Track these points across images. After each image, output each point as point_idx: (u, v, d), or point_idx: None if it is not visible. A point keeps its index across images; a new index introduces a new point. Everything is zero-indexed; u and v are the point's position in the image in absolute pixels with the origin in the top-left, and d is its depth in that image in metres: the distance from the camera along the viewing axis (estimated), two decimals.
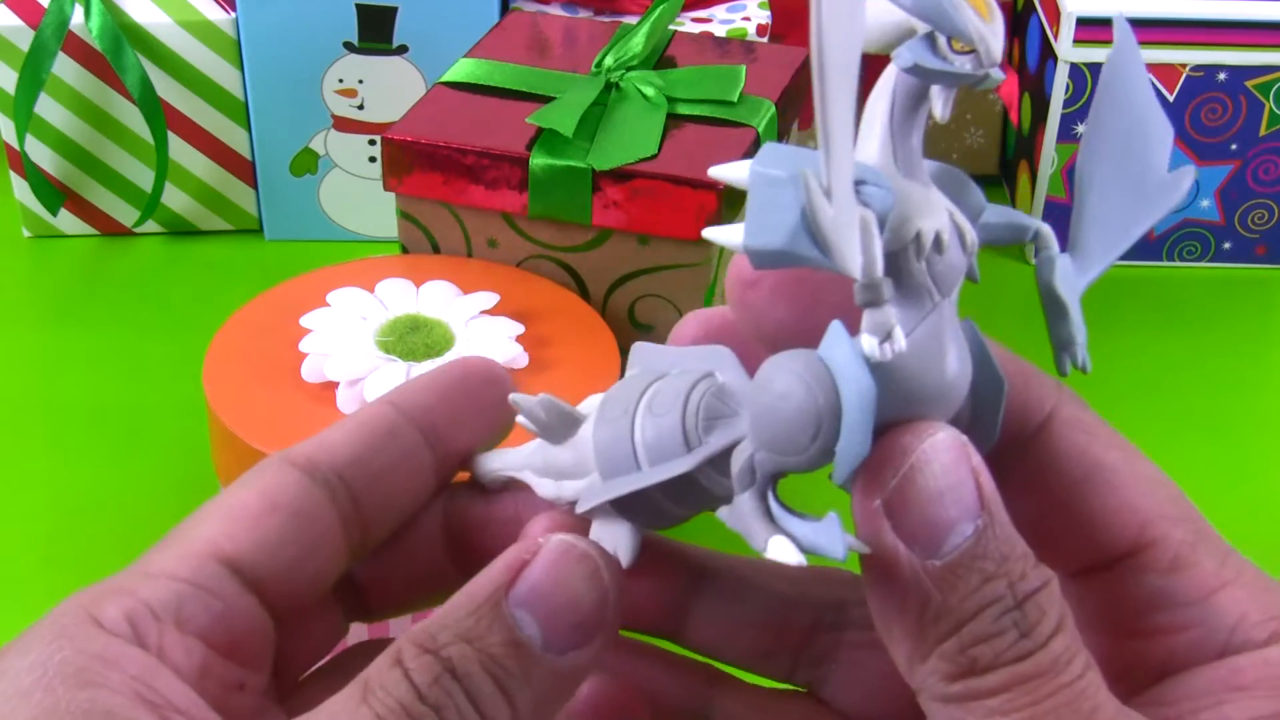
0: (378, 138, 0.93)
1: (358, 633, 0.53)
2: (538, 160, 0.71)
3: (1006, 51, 1.06)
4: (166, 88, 0.92)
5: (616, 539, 0.33)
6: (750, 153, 0.61)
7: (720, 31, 0.93)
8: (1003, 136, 1.06)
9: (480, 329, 0.66)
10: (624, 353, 0.66)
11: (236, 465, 0.62)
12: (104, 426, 0.81)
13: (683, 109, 0.75)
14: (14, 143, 0.92)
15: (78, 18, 0.89)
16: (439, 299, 0.68)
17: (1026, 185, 1.00)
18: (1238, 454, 0.83)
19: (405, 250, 0.75)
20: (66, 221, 0.97)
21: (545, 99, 0.75)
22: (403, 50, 0.91)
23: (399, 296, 0.68)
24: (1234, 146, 0.95)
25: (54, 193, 0.95)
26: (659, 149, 0.72)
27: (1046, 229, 0.31)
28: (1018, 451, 0.32)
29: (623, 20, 0.91)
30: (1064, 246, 0.32)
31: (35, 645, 0.30)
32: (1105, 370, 0.89)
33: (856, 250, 0.26)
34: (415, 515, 0.37)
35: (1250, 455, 0.83)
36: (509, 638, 0.30)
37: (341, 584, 0.36)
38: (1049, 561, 0.29)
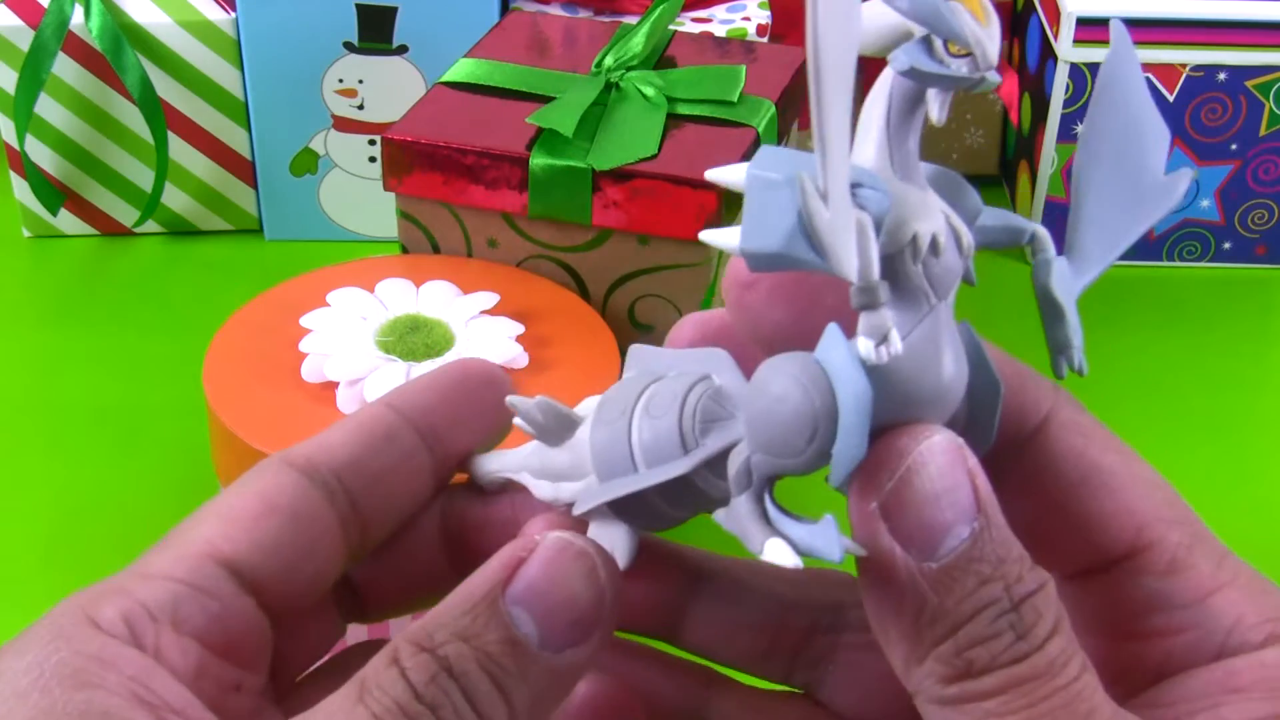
0: (378, 138, 0.93)
1: (358, 633, 0.53)
2: (538, 160, 0.71)
3: (1006, 52, 1.06)
4: (166, 88, 0.92)
5: (613, 541, 0.33)
6: (750, 153, 0.61)
7: (720, 31, 0.93)
8: (1003, 136, 1.06)
9: (480, 329, 0.66)
10: (624, 353, 0.66)
11: (236, 465, 0.62)
12: (104, 426, 0.81)
13: (683, 109, 0.75)
14: (14, 143, 0.92)
15: (78, 18, 0.89)
16: (439, 299, 0.68)
17: (1026, 185, 1.00)
18: (1238, 454, 0.83)
19: (405, 250, 0.76)
20: (66, 221, 0.97)
21: (545, 99, 0.75)
22: (403, 50, 0.91)
23: (399, 296, 0.68)
24: (1234, 146, 0.95)
25: (54, 193, 0.95)
26: (659, 149, 0.72)
27: (1043, 232, 0.31)
28: (1014, 454, 0.32)
29: (623, 20, 0.91)
30: (1061, 249, 0.32)
31: (32, 646, 0.30)
32: (1105, 370, 0.89)
33: (852, 253, 0.26)
34: (414, 517, 0.37)
35: (1250, 455, 0.83)
36: (506, 636, 0.30)
37: (339, 585, 0.36)
38: (1045, 564, 0.29)
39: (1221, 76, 0.92)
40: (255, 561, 0.33)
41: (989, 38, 0.27)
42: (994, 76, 0.27)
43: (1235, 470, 0.82)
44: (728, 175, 0.28)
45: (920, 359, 0.28)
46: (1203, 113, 0.93)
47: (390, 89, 0.92)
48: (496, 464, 0.36)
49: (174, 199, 0.97)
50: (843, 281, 0.27)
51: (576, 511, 0.33)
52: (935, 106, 0.28)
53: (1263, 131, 0.94)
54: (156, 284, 0.94)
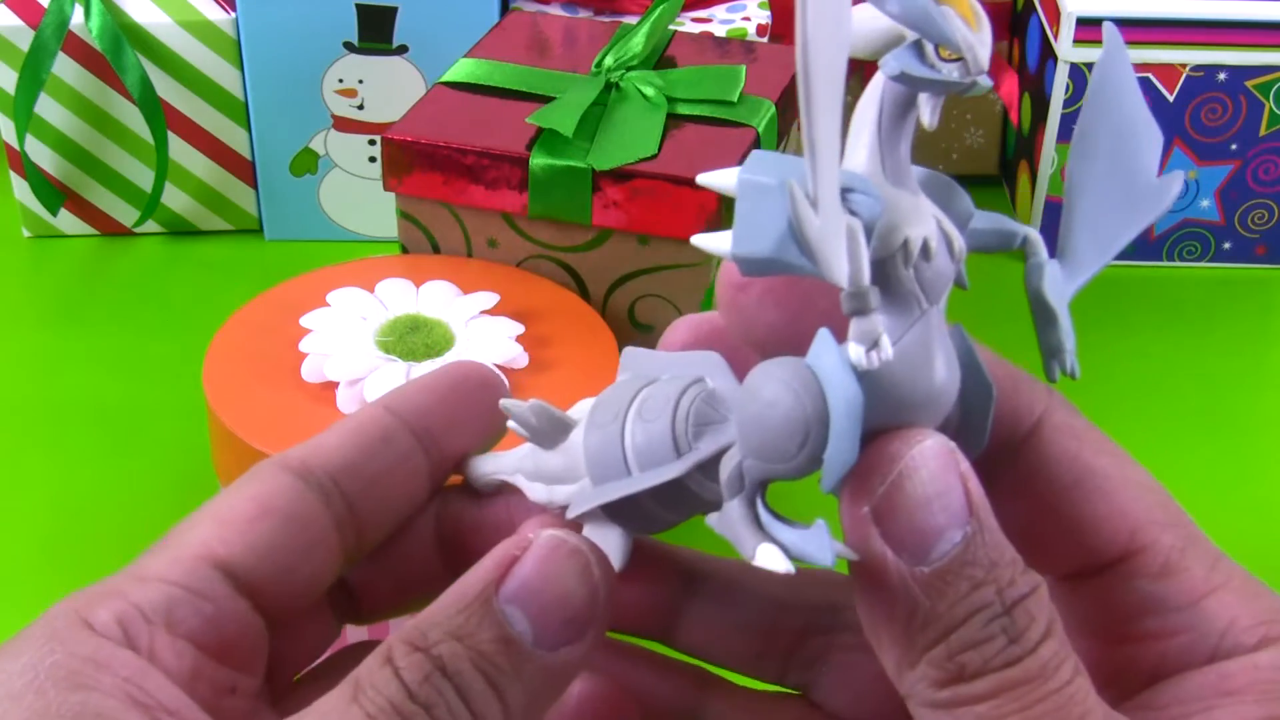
0: (378, 138, 0.93)
1: (359, 634, 0.53)
2: (538, 160, 0.71)
3: (1006, 52, 1.06)
4: (166, 88, 0.92)
5: (607, 543, 0.33)
6: (749, 154, 0.61)
7: (720, 31, 0.93)
8: (1003, 136, 1.06)
9: (480, 329, 0.66)
10: None
11: (236, 465, 0.62)
12: (104, 426, 0.81)
13: (683, 109, 0.75)
14: (14, 143, 0.92)
15: (78, 18, 0.89)
16: (439, 299, 0.68)
17: (1026, 185, 1.00)
18: (1238, 454, 0.83)
19: (405, 250, 0.76)
20: (66, 221, 0.97)
21: (545, 99, 0.75)
22: (403, 50, 0.91)
23: (399, 296, 0.68)
24: (1234, 146, 0.95)
25: (54, 193, 0.95)
26: (659, 149, 0.72)
27: (1035, 235, 0.31)
28: (1007, 457, 0.32)
29: (623, 20, 0.91)
30: (1053, 252, 0.32)
31: (27, 648, 0.30)
32: (1105, 370, 0.89)
33: (843, 259, 0.26)
34: (409, 519, 0.37)
35: (1250, 455, 0.83)
36: (499, 634, 0.30)
37: (334, 586, 0.36)
38: (1038, 567, 0.29)
39: (1221, 76, 0.92)
40: (250, 564, 0.33)
41: (980, 42, 0.27)
42: (985, 81, 0.27)
43: (1235, 470, 0.82)
44: (719, 180, 0.28)
45: (912, 364, 0.28)
46: (1203, 113, 0.93)
47: (390, 89, 0.92)
48: (491, 466, 0.36)
49: (174, 199, 0.97)
50: (835, 285, 0.27)
51: (570, 515, 0.33)
52: (926, 111, 0.28)
53: (1263, 131, 0.94)
54: (156, 284, 0.94)
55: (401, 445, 0.36)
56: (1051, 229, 0.31)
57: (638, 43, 0.79)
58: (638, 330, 0.74)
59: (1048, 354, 0.31)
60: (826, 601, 0.37)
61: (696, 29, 0.93)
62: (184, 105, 0.93)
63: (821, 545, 0.28)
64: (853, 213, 0.27)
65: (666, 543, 0.37)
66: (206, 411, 0.64)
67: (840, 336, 0.28)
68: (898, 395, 0.28)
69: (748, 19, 0.94)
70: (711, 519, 0.30)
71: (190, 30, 0.91)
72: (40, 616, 0.31)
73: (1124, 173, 0.31)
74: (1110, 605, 0.33)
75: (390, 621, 0.56)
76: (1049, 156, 0.96)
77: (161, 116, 0.92)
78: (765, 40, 0.94)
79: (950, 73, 0.27)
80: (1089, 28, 0.91)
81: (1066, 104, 0.94)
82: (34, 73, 0.89)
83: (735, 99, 0.76)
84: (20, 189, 0.95)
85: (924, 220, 0.28)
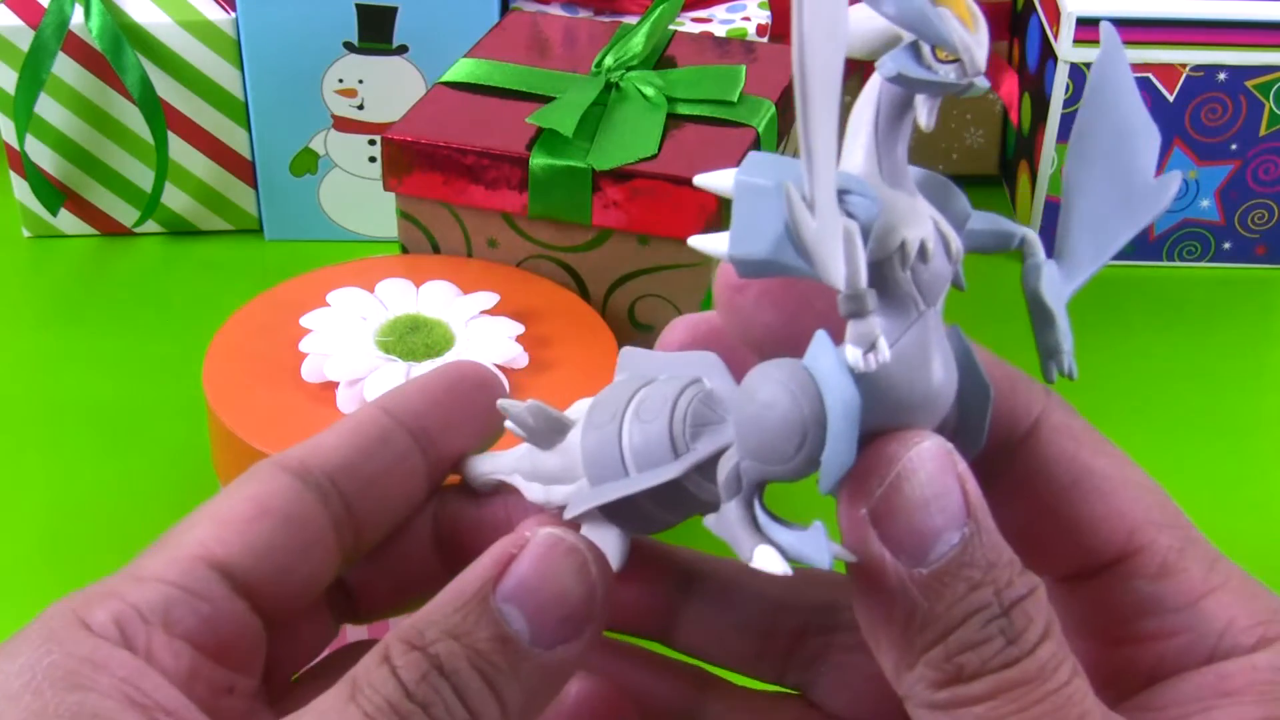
0: (378, 138, 0.93)
1: (359, 633, 0.53)
2: (538, 160, 0.71)
3: (1006, 52, 1.05)
4: (166, 88, 0.92)
5: (605, 543, 0.33)
6: (747, 155, 0.61)
7: (720, 31, 0.93)
8: (1003, 136, 1.06)
9: (480, 329, 0.66)
10: None
11: (236, 465, 0.62)
12: (104, 426, 0.81)
13: (683, 109, 0.75)
14: (14, 143, 0.92)
15: (78, 18, 0.89)
16: (439, 299, 0.68)
17: (1026, 185, 1.00)
18: (1238, 454, 0.83)
19: (405, 250, 0.76)
20: (66, 221, 0.97)
21: (545, 99, 0.75)
22: (403, 50, 0.91)
23: (399, 296, 0.68)
24: (1234, 146, 0.95)
25: (54, 193, 0.95)
26: (659, 149, 0.72)
27: (1032, 235, 0.31)
28: (1005, 457, 0.32)
29: (623, 20, 0.91)
30: (1050, 252, 0.32)
31: (24, 648, 0.30)
32: (1105, 370, 0.89)
33: (840, 262, 0.26)
34: (407, 519, 0.37)
35: (1250, 455, 0.83)
36: (496, 633, 0.30)
37: (332, 586, 0.36)
38: (1036, 567, 0.29)
39: (1221, 76, 0.92)
40: (248, 565, 0.33)
41: (977, 43, 0.27)
42: (982, 82, 0.27)
43: (1235, 470, 0.82)
44: (716, 181, 0.28)
45: (909, 365, 0.28)
46: (1203, 113, 0.93)
47: (390, 89, 0.92)
48: (489, 466, 0.36)
49: (174, 199, 0.97)
50: (832, 288, 0.27)
51: (568, 515, 0.33)
52: (923, 112, 0.28)
53: (1263, 131, 0.94)
54: (156, 284, 0.94)
55: (399, 445, 0.36)
56: (1051, 229, 0.31)
57: (638, 43, 0.79)
58: (638, 330, 0.74)
59: (1045, 355, 0.31)
60: (825, 601, 0.37)
61: (696, 29, 0.93)
62: (184, 105, 0.93)
63: (819, 547, 0.28)
64: (850, 214, 0.27)
65: (665, 543, 0.37)
66: (206, 411, 0.64)
67: (838, 338, 0.28)
68: (895, 397, 0.28)
69: (748, 19, 0.94)
70: (709, 520, 0.30)
71: (190, 30, 0.91)
72: (37, 617, 0.31)
73: (1122, 173, 0.31)
74: (1108, 606, 0.33)
75: (391, 621, 0.57)
76: (1049, 156, 0.96)
77: (161, 116, 0.92)
78: (765, 40, 0.94)
79: (947, 74, 0.27)
80: (1089, 28, 0.91)
81: (1066, 104, 0.94)
82: (34, 73, 0.89)
83: (735, 99, 0.76)
84: (20, 189, 0.95)
85: (921, 221, 0.28)
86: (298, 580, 0.34)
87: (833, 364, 0.27)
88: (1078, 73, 0.93)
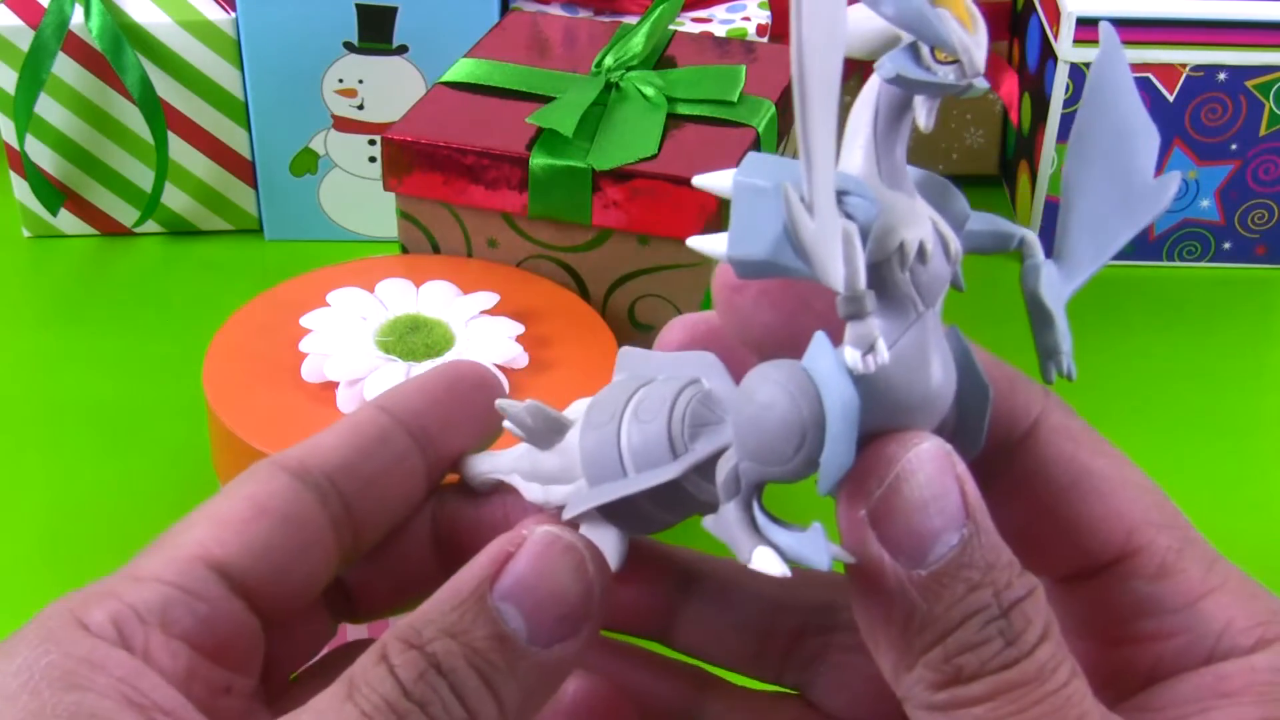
0: (378, 138, 0.93)
1: (358, 632, 0.53)
2: (538, 160, 0.71)
3: (1006, 52, 1.05)
4: (166, 88, 0.92)
5: (604, 543, 0.33)
6: (746, 155, 0.61)
7: (720, 31, 0.93)
8: (1003, 136, 1.06)
9: (480, 329, 0.66)
10: None
11: (236, 465, 0.62)
12: (104, 426, 0.81)
13: (683, 109, 0.75)
14: (14, 143, 0.92)
15: (78, 18, 0.89)
16: (439, 299, 0.68)
17: (1026, 185, 1.00)
18: (1238, 454, 0.83)
19: (405, 250, 0.76)
20: (66, 221, 0.97)
21: (545, 99, 0.75)
22: (403, 50, 0.91)
23: (399, 296, 0.68)
24: (1234, 146, 0.95)
25: (54, 193, 0.95)
26: (659, 149, 0.72)
27: (1031, 236, 0.31)
28: (1004, 458, 0.32)
29: (623, 20, 0.91)
30: (1049, 252, 0.31)
31: (21, 649, 0.30)
32: (1105, 370, 0.89)
33: (839, 263, 0.26)
34: (406, 519, 0.37)
35: (1250, 455, 0.83)
36: (494, 631, 0.30)
37: (331, 586, 0.36)
38: (1035, 568, 0.29)
39: (1221, 76, 0.92)
40: (246, 565, 0.33)
41: (976, 44, 0.27)
42: (981, 83, 0.27)
43: (1235, 470, 0.82)
44: (715, 181, 0.28)
45: (908, 367, 0.28)
46: (1203, 113, 0.93)
47: (390, 89, 0.92)
48: (488, 465, 0.36)
49: (174, 199, 0.97)
50: (831, 289, 0.27)
51: (566, 515, 0.33)
52: (922, 113, 0.28)
53: (1263, 131, 0.94)
54: (156, 284, 0.94)
55: (398, 445, 0.36)
56: (1051, 229, 0.31)
57: (638, 43, 0.79)
58: (638, 330, 0.74)
59: (1044, 356, 0.31)
60: (824, 601, 0.37)
61: (696, 29, 0.93)
62: (184, 105, 0.93)
63: (818, 548, 0.28)
64: (848, 216, 0.27)
65: (664, 542, 0.37)
66: (206, 411, 0.64)
67: (836, 338, 0.28)
68: (894, 398, 0.28)
69: (748, 19, 0.94)
70: (707, 522, 0.30)
71: (190, 30, 0.91)
72: (35, 617, 0.31)
73: (1121, 173, 0.31)
74: (1107, 607, 0.33)
75: (391, 620, 0.57)
76: (1049, 156, 0.96)
77: (161, 116, 0.92)
78: (765, 40, 0.94)
79: (946, 75, 0.27)
80: (1089, 28, 0.91)
81: (1066, 104, 0.94)
82: (34, 73, 0.89)
83: (735, 99, 0.76)
84: (20, 189, 0.95)
85: (920, 223, 0.28)
86: (296, 580, 0.34)
87: (831, 365, 0.27)
88: (1078, 73, 0.93)
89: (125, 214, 0.97)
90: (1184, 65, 0.92)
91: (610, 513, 0.32)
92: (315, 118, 0.93)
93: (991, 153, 1.07)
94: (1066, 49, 0.92)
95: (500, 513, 0.36)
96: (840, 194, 0.27)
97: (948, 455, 0.28)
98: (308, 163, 0.95)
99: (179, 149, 0.95)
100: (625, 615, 0.37)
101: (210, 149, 0.95)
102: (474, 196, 0.72)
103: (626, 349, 0.34)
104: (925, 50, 0.27)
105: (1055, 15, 0.93)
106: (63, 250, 0.97)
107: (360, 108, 0.93)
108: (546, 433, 0.34)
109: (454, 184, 0.72)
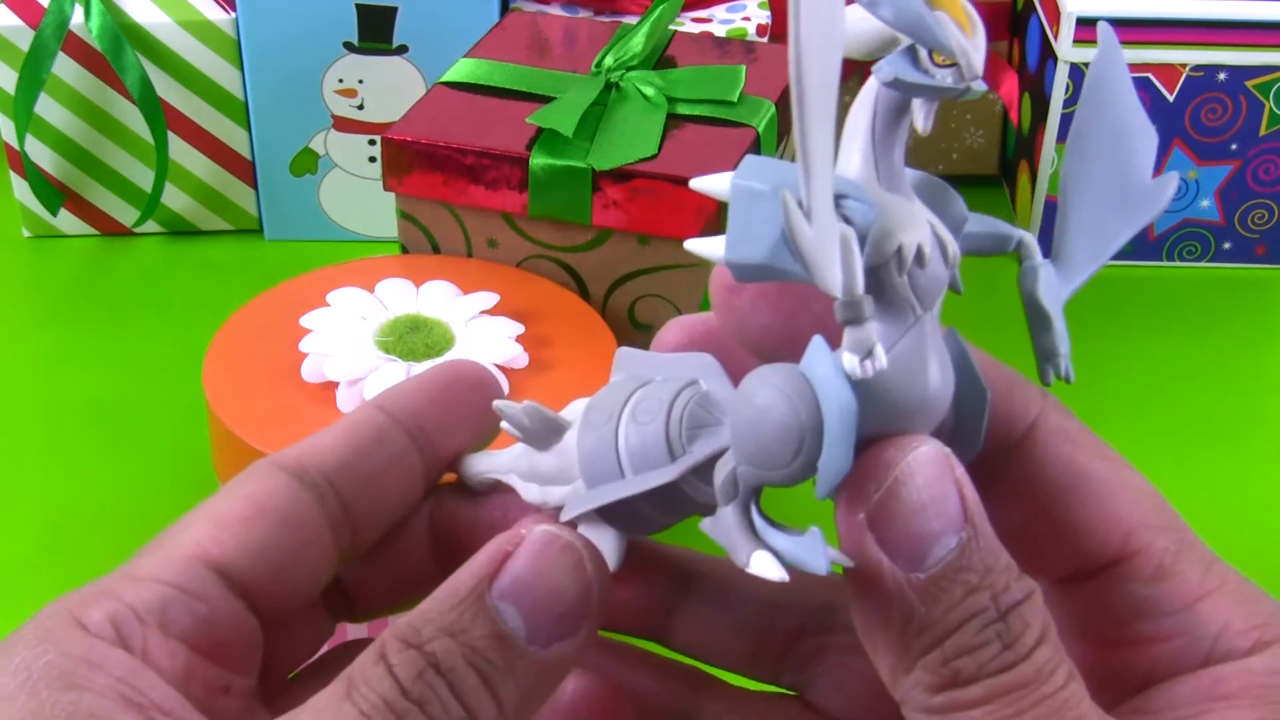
0: (378, 138, 0.93)
1: (357, 631, 0.53)
2: (538, 160, 0.71)
3: (1006, 51, 1.05)
4: (166, 88, 0.92)
5: (602, 544, 0.33)
6: (744, 157, 0.61)
7: (720, 31, 0.93)
8: (1003, 136, 1.06)
9: (480, 329, 0.66)
10: None
11: (236, 465, 0.62)
12: (104, 426, 0.81)
13: (683, 109, 0.75)
14: (14, 143, 0.92)
15: (78, 18, 0.89)
16: (439, 299, 0.68)
17: (1026, 185, 1.00)
18: (1238, 454, 0.83)
19: (405, 250, 0.76)
20: (66, 221, 0.97)
21: (545, 99, 0.75)
22: (403, 50, 0.91)
23: (399, 296, 0.68)
24: (1234, 146, 0.95)
25: (54, 193, 0.95)
26: (659, 149, 0.72)
27: (1029, 238, 0.31)
28: (1002, 460, 0.32)
29: (623, 20, 0.91)
30: (1048, 253, 0.31)
31: (19, 648, 0.30)
32: (1105, 371, 0.89)
33: (837, 268, 0.26)
34: (404, 518, 0.37)
35: (1250, 455, 0.83)
36: (492, 630, 0.30)
37: (329, 586, 0.36)
38: (1032, 570, 0.29)
39: (1221, 76, 0.92)
40: (244, 565, 0.33)
41: (974, 48, 0.27)
42: (979, 86, 0.27)
43: (1235, 471, 0.82)
44: (712, 184, 0.28)
45: (906, 370, 0.28)
46: (1203, 113, 0.93)
47: (390, 89, 0.92)
48: (485, 464, 0.36)
49: (174, 199, 0.97)
50: (828, 294, 0.27)
51: (564, 517, 0.33)
52: (920, 116, 0.28)
53: (1263, 131, 0.94)
54: (156, 284, 0.94)
55: (396, 445, 0.36)
56: (1051, 229, 0.31)
57: (638, 43, 0.79)
58: (638, 330, 0.74)
59: (1042, 358, 0.31)
60: (821, 602, 0.37)
61: (696, 29, 0.93)
62: (184, 105, 0.93)
63: (816, 552, 0.28)
64: (846, 219, 0.27)
65: (661, 543, 0.37)
66: (206, 411, 0.64)
67: (834, 341, 0.28)
68: (892, 402, 0.28)
69: (748, 19, 0.94)
70: (705, 524, 0.30)
71: (190, 30, 0.91)
72: (33, 617, 0.31)
73: (1119, 174, 0.31)
74: (1104, 609, 0.33)
75: (391, 619, 0.57)
76: (1049, 156, 0.96)
77: (161, 116, 0.92)
78: (765, 40, 0.94)
79: (944, 78, 0.27)
80: (1089, 28, 0.91)
81: (1066, 104, 0.94)
82: (34, 73, 0.89)
83: (735, 99, 0.76)
84: (20, 189, 0.95)
85: (918, 226, 0.28)
86: (294, 580, 0.34)
87: (829, 370, 0.27)
88: (1078, 73, 0.93)
89: (125, 214, 0.97)
90: (1184, 65, 0.92)
91: (608, 514, 0.33)
92: (315, 118, 0.93)
93: (991, 153, 1.07)
94: (1066, 49, 0.92)
95: (498, 512, 0.36)
96: (838, 198, 0.27)
97: (946, 458, 0.28)
98: (308, 163, 0.95)
99: (179, 149, 0.95)
100: (623, 615, 0.37)
101: (210, 149, 0.95)
102: (474, 196, 0.72)
103: (624, 349, 0.34)
104: (923, 53, 0.27)
105: (1055, 15, 0.93)
106: (63, 250, 0.97)
107: (360, 108, 0.93)
108: (544, 434, 0.34)
109: (454, 184, 0.72)
